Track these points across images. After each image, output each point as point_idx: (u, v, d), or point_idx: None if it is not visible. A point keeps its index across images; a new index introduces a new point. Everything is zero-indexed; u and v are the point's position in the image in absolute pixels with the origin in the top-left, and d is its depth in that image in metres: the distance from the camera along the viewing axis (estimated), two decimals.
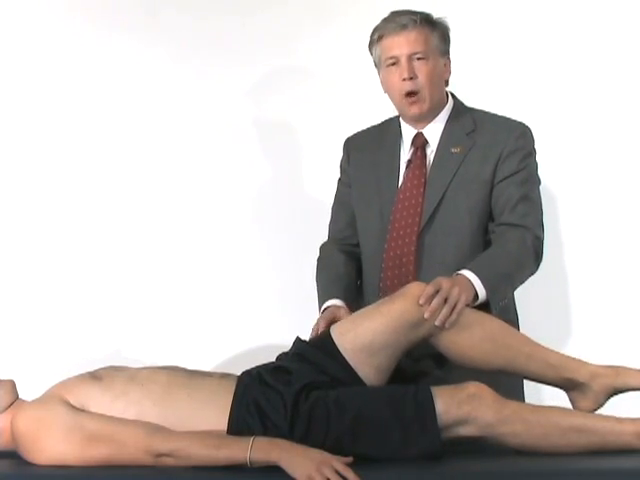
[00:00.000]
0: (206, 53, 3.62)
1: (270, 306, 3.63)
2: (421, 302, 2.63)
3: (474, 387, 2.55)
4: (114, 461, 2.50)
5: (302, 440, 2.49)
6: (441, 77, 2.98)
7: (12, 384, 2.67)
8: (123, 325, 3.62)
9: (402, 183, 3.02)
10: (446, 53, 2.99)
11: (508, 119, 3.05)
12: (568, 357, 2.72)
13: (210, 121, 3.65)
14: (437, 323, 2.63)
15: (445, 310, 2.64)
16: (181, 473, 2.45)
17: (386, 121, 3.11)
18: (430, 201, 2.98)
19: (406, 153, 3.05)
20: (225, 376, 2.69)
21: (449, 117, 3.03)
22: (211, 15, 3.61)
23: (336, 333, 2.69)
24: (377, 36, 2.96)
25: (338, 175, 3.17)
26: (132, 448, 2.49)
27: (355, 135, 3.18)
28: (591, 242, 3.60)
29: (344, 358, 2.66)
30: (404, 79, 2.94)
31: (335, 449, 2.45)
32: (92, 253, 3.64)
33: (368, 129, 3.15)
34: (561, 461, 2.50)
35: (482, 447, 2.61)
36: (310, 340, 2.82)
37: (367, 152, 3.10)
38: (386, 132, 3.08)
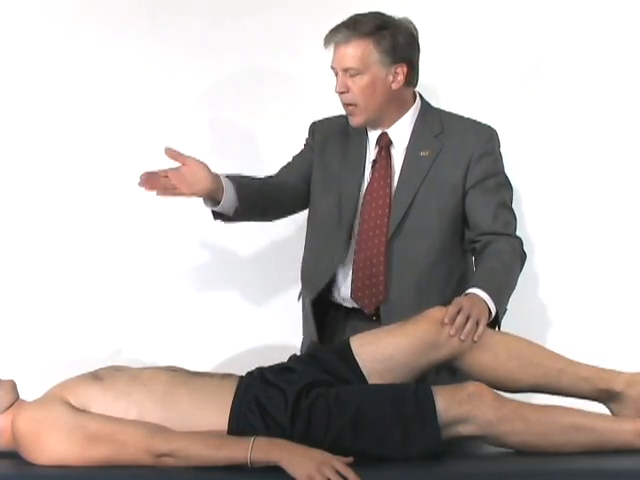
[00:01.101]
0: (206, 54, 3.61)
1: (271, 308, 3.63)
2: (446, 321, 2.66)
3: (474, 386, 2.56)
4: (115, 461, 2.50)
5: (303, 437, 2.50)
6: (384, 88, 2.96)
7: (12, 384, 2.67)
8: (125, 326, 3.61)
9: (368, 183, 3.04)
10: (396, 62, 2.95)
11: (475, 122, 3.07)
12: (600, 368, 2.71)
13: (209, 121, 3.65)
14: (462, 337, 2.66)
15: (469, 325, 2.67)
16: (181, 473, 2.45)
17: None
18: (400, 205, 2.99)
19: (371, 152, 3.06)
20: (227, 376, 2.70)
21: (416, 118, 3.04)
22: (211, 16, 3.61)
23: (356, 344, 2.70)
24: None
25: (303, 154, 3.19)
26: (132, 448, 2.49)
27: (322, 120, 3.19)
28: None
29: (359, 368, 2.67)
30: (339, 92, 2.98)
31: (335, 446, 2.46)
32: (93, 254, 3.64)
33: (336, 117, 3.14)
34: (561, 461, 2.50)
35: (482, 447, 2.62)
36: (326, 346, 2.85)
37: (333, 140, 3.12)
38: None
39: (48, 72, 3.63)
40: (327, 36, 2.96)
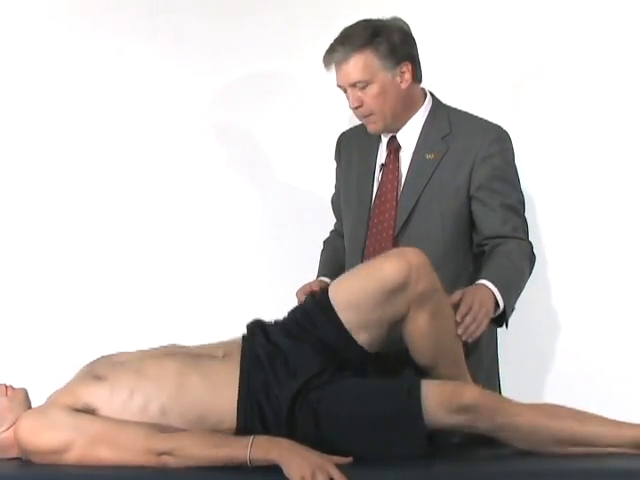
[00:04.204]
0: (205, 54, 3.61)
1: (272, 308, 3.63)
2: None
3: (468, 395, 2.50)
4: (115, 463, 2.50)
5: (299, 437, 2.49)
6: (394, 90, 2.96)
7: (25, 394, 2.66)
8: (127, 328, 3.61)
9: (378, 187, 3.05)
10: (399, 62, 2.95)
11: (485, 122, 3.04)
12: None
13: (209, 121, 3.66)
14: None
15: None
16: (181, 473, 2.45)
17: None
18: (404, 207, 2.99)
19: (382, 156, 3.07)
20: (227, 356, 2.67)
21: (426, 119, 3.04)
22: (210, 16, 3.61)
23: (333, 292, 2.64)
24: None
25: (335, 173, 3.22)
26: (131, 450, 2.48)
27: (347, 132, 3.21)
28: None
29: (337, 317, 2.61)
30: (353, 107, 2.98)
31: (328, 445, 2.45)
32: (94, 253, 3.65)
33: (359, 126, 3.13)
34: (561, 461, 2.50)
35: (482, 447, 2.62)
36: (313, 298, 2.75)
37: (353, 151, 3.13)
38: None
39: (48, 74, 3.65)
40: (325, 57, 2.96)
